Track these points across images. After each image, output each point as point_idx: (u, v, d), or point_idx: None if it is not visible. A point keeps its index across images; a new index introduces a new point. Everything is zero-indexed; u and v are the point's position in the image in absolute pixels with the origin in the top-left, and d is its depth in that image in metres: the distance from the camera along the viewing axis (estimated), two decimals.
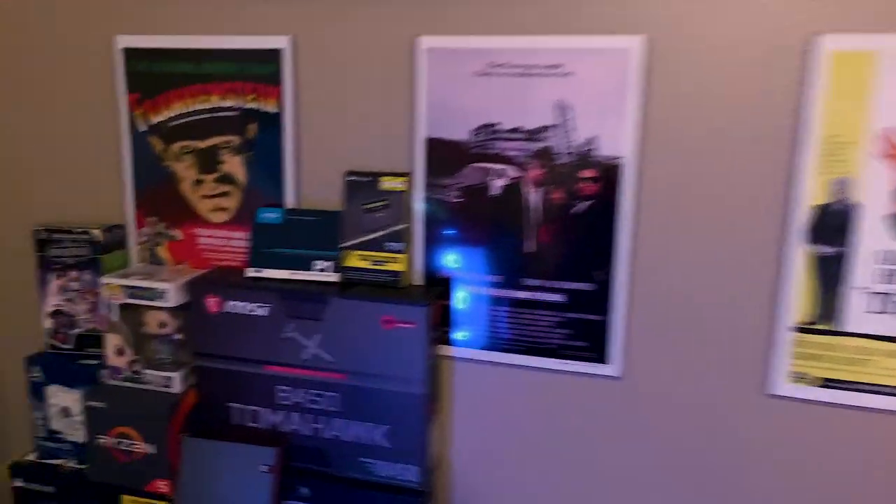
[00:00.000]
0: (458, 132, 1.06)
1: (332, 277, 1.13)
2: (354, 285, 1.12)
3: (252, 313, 1.12)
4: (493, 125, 1.04)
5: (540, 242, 1.06)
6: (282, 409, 1.14)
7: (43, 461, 1.27)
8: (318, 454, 1.14)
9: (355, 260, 1.12)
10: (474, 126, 1.05)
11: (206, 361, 1.16)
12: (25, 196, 1.34)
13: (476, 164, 1.06)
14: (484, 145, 1.05)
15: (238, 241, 1.21)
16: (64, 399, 1.25)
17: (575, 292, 1.05)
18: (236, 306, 1.13)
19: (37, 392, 1.26)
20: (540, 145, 1.03)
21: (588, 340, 1.06)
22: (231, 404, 1.17)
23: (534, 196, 1.05)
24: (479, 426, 1.16)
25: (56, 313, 1.25)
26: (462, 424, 1.17)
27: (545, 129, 1.02)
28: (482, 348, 1.12)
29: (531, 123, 1.03)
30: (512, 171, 1.05)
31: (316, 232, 1.14)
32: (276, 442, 1.13)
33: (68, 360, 1.24)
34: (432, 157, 1.08)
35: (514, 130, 1.04)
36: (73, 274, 1.23)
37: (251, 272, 1.15)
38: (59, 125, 1.29)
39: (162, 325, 1.17)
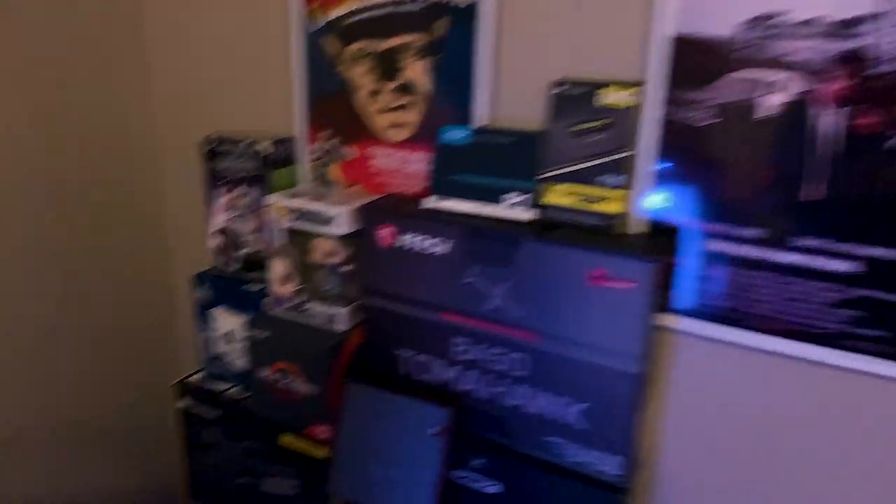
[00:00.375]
0: (719, 26, 0.77)
1: (527, 215, 0.91)
2: (555, 227, 0.89)
3: (429, 251, 0.94)
4: (774, 16, 0.74)
5: (829, 187, 0.75)
6: (457, 364, 0.97)
7: (207, 385, 1.22)
8: (496, 423, 0.96)
9: (558, 195, 0.89)
10: (745, 18, 0.75)
11: (375, 300, 1.02)
12: (195, 103, 1.25)
13: (741, 73, 0.77)
14: (757, 46, 0.75)
15: (417, 164, 1.03)
16: (228, 323, 1.18)
17: (875, 261, 0.75)
18: (412, 241, 0.95)
19: (203, 313, 1.20)
20: (848, 45, 0.71)
21: (888, 329, 0.76)
22: (400, 351, 1.02)
23: (828, 120, 0.74)
24: (703, 421, 0.91)
25: (222, 232, 1.17)
26: (679, 415, 0.93)
27: (860, 20, 0.70)
28: (718, 323, 0.85)
29: (839, 12, 0.71)
30: (796, 84, 0.75)
31: (510, 157, 0.92)
32: (448, 401, 0.96)
33: (234, 282, 1.16)
34: (678, 62, 0.80)
35: (807, 24, 0.72)
36: (241, 190, 1.12)
37: (430, 202, 0.97)
38: (226, 25, 1.16)
39: (329, 254, 1.03)
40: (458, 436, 0.98)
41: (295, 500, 1.13)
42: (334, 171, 1.11)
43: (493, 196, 0.92)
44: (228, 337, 1.18)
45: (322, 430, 1.06)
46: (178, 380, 1.23)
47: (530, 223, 0.90)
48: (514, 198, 0.91)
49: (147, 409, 1.42)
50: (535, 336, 0.89)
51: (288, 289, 1.09)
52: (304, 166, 1.13)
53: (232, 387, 1.21)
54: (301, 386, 1.05)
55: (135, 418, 1.40)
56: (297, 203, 1.03)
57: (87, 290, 1.25)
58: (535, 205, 0.90)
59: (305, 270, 1.06)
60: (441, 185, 0.96)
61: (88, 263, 1.24)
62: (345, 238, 1.01)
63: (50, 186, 1.16)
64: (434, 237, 0.93)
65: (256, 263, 1.15)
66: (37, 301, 1.17)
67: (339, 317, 1.05)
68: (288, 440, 1.10)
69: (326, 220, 1.01)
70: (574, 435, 0.90)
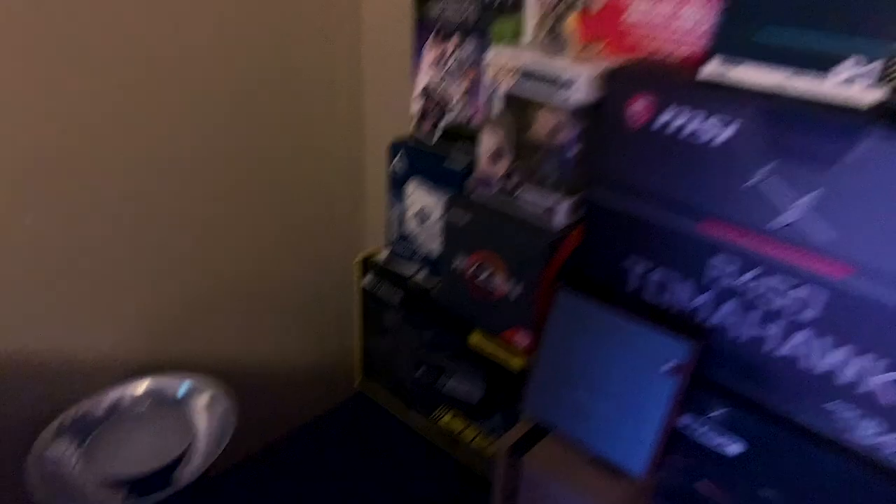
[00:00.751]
0: None
1: (872, 96, 0.62)
2: None
3: (700, 137, 0.70)
4: None
5: None
6: (709, 290, 0.74)
7: (393, 265, 1.11)
8: (753, 372, 0.73)
9: None
10: None
11: (608, 194, 0.80)
12: None
13: None
14: None
15: (692, 16, 0.76)
16: (423, 199, 1.04)
17: None
18: (676, 120, 0.71)
19: (396, 187, 1.07)
20: None
21: None
22: (630, 262, 0.81)
23: None
24: None
25: (427, 93, 0.99)
26: None
27: None
28: None
29: None
30: None
31: (852, 7, 0.62)
32: (691, 334, 0.75)
33: (434, 154, 1.00)
34: None
35: None
36: (453, 42, 0.93)
37: (712, 68, 0.71)
38: None
39: (556, 129, 0.83)
40: (696, 378, 0.77)
41: (476, 408, 1.01)
42: (571, 25, 0.87)
43: (816, 64, 0.65)
44: (422, 215, 1.04)
45: (520, 337, 0.90)
46: (363, 256, 1.13)
47: (875, 108, 0.62)
48: (853, 69, 0.63)
49: (330, 282, 1.36)
50: (845, 269, 0.63)
51: (498, 169, 0.90)
52: (533, 16, 0.90)
53: (420, 270, 1.08)
54: (502, 284, 0.89)
55: (318, 289, 1.35)
56: (525, 61, 0.81)
57: (275, 154, 1.16)
58: (889, 81, 0.61)
59: (522, 148, 0.86)
60: (732, 44, 0.69)
61: (277, 125, 1.14)
62: (580, 111, 0.79)
63: (239, 38, 1.04)
64: (712, 117, 0.69)
65: (463, 134, 0.97)
66: (228, 167, 1.10)
67: (558, 209, 0.85)
68: (478, 340, 0.96)
69: (561, 85, 0.79)
70: (875, 409, 0.65)
